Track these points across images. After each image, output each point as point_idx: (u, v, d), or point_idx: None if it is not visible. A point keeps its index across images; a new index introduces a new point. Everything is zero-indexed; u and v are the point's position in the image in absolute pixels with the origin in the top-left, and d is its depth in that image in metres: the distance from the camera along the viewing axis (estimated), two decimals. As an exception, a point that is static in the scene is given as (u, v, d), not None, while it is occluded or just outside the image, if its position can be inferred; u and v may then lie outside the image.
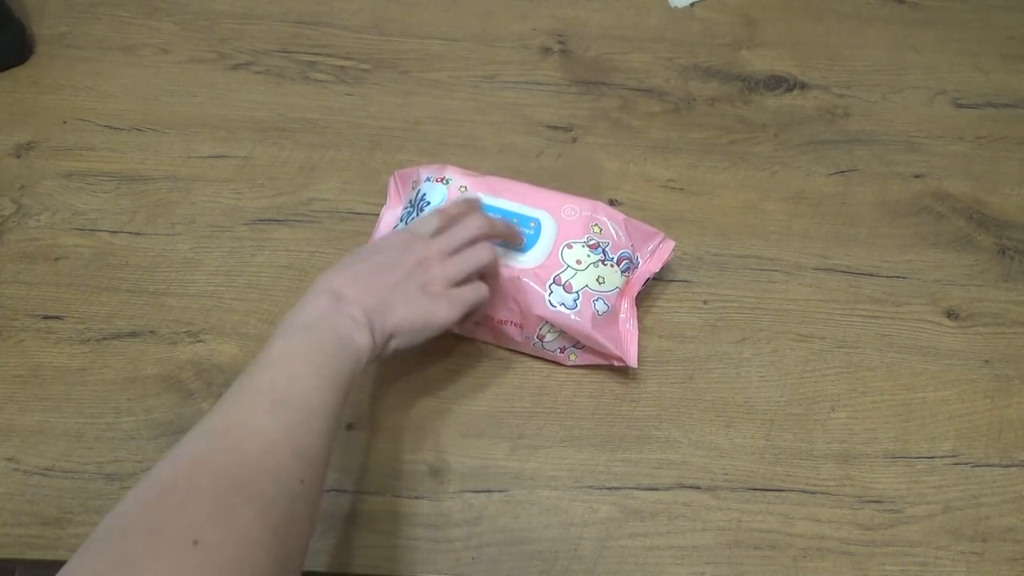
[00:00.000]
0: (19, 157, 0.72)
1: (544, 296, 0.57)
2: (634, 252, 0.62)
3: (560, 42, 0.84)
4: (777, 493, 0.56)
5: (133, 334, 0.62)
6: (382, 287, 0.49)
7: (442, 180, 0.62)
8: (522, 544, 0.54)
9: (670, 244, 0.63)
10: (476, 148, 0.74)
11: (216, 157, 0.72)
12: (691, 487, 0.56)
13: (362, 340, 0.46)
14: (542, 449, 0.58)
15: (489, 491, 0.56)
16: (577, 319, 0.57)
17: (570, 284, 0.57)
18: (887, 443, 0.59)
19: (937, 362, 0.63)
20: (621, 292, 0.60)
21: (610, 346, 0.58)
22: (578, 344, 0.59)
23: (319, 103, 0.77)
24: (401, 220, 0.63)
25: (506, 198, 0.61)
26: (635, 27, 0.85)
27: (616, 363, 0.59)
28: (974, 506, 0.56)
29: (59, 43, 0.81)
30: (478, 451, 0.57)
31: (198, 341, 0.61)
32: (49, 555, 0.52)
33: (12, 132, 0.73)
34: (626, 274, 0.60)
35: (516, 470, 0.57)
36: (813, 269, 0.68)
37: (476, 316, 0.58)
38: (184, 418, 0.58)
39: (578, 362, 0.60)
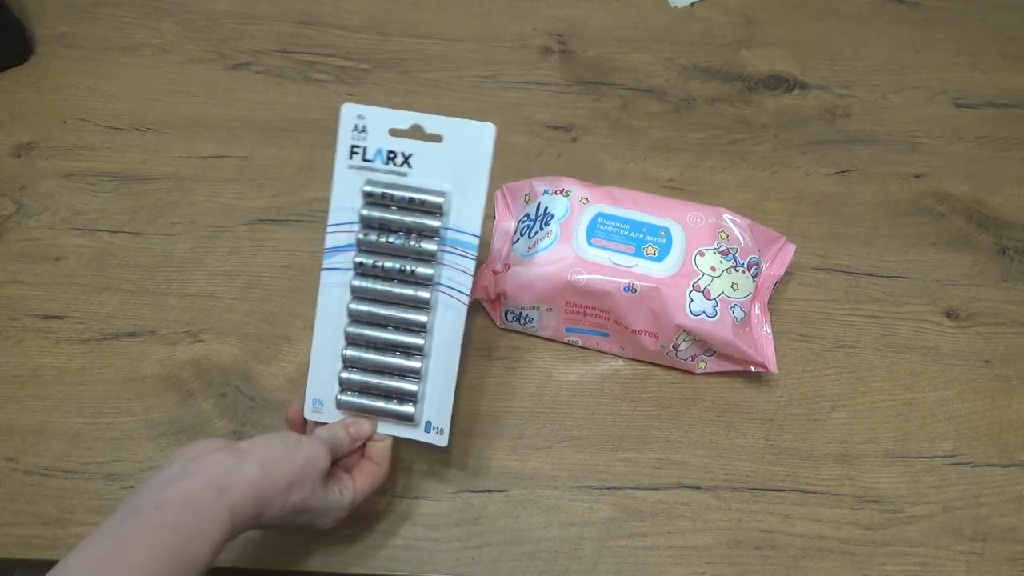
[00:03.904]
0: (19, 157, 0.72)
1: (685, 305, 0.56)
2: (761, 256, 0.62)
3: (560, 42, 0.84)
4: (777, 493, 0.56)
5: (133, 334, 0.62)
6: None
7: (561, 192, 0.61)
8: (522, 544, 0.54)
9: (791, 247, 0.63)
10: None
11: (216, 157, 0.72)
12: (691, 487, 0.56)
13: None
14: (542, 449, 0.58)
15: (489, 491, 0.56)
16: (719, 327, 0.57)
17: (708, 291, 0.57)
18: (887, 443, 0.59)
19: (937, 362, 0.63)
20: (753, 297, 0.60)
21: (751, 352, 0.58)
22: (709, 351, 0.59)
23: (319, 103, 0.77)
24: (519, 233, 0.62)
25: (628, 208, 0.60)
26: (635, 27, 0.85)
27: (754, 369, 0.59)
28: (974, 506, 0.56)
29: (59, 43, 0.81)
30: (478, 451, 0.57)
31: (198, 341, 0.61)
32: (49, 555, 0.52)
33: (12, 132, 0.73)
34: (755, 279, 0.60)
35: (516, 470, 0.57)
36: (813, 269, 0.68)
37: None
38: (184, 418, 0.58)
39: (708, 369, 0.60)
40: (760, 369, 0.59)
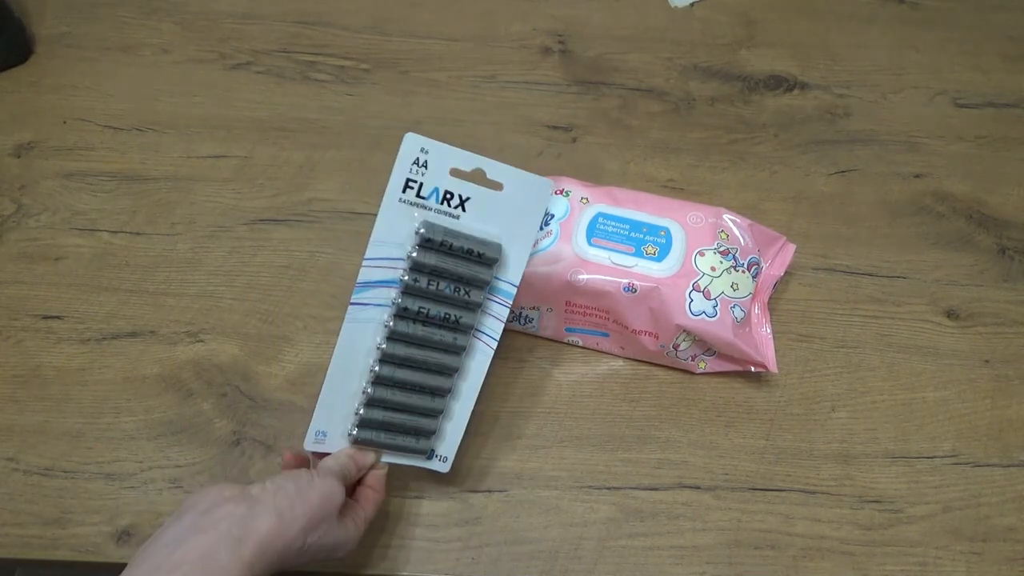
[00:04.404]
0: (19, 157, 0.72)
1: (685, 305, 0.56)
2: (761, 256, 0.62)
3: (560, 42, 0.84)
4: (777, 493, 0.56)
5: (133, 334, 0.62)
6: None
7: (561, 192, 0.61)
8: (522, 544, 0.54)
9: (791, 247, 0.63)
10: (476, 148, 0.73)
11: (216, 157, 0.72)
12: (691, 487, 0.56)
13: None
14: (542, 449, 0.58)
15: (489, 491, 0.56)
16: (719, 327, 0.57)
17: (708, 291, 0.57)
18: (887, 443, 0.59)
19: (937, 362, 0.63)
20: (753, 297, 0.60)
21: (751, 352, 0.58)
22: (709, 351, 0.59)
23: (319, 103, 0.77)
24: None
25: (628, 208, 0.60)
26: (635, 27, 0.85)
27: (754, 369, 0.59)
28: (974, 506, 0.56)
29: (59, 43, 0.81)
30: (478, 451, 0.57)
31: (198, 341, 0.61)
32: (49, 555, 0.52)
33: (12, 132, 0.73)
34: (755, 279, 0.60)
35: (516, 470, 0.57)
36: (813, 269, 0.68)
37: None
38: (184, 418, 0.58)
39: (708, 369, 0.60)
40: (760, 369, 0.59)
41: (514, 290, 0.50)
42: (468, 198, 0.49)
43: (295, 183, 0.71)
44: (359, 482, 0.51)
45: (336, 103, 0.77)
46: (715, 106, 0.79)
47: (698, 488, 0.56)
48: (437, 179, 0.48)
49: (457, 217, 0.49)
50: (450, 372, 0.50)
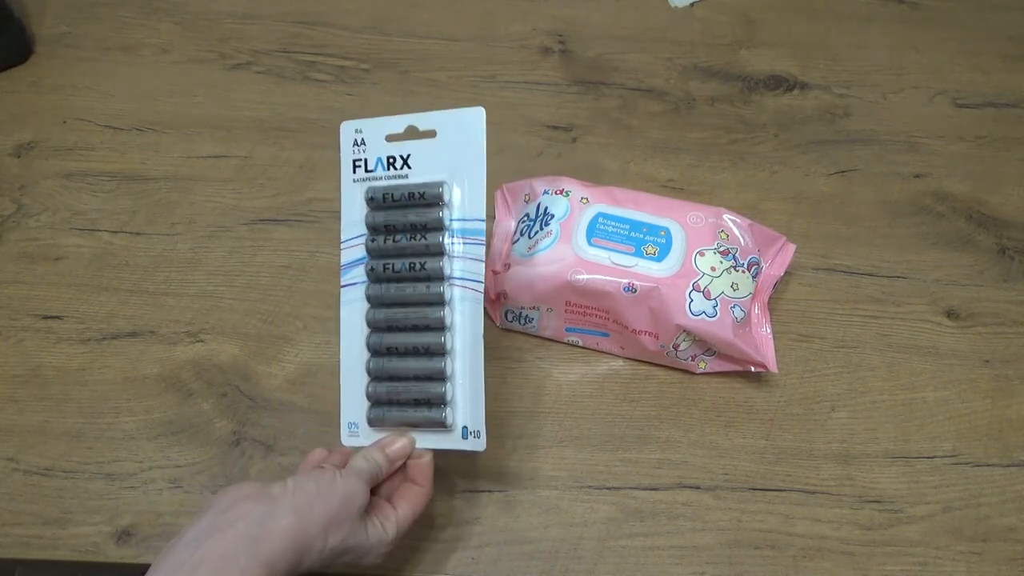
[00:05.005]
0: (19, 157, 0.72)
1: (685, 305, 0.56)
2: (761, 256, 0.62)
3: (560, 42, 0.84)
4: (777, 493, 0.56)
5: (133, 334, 0.62)
6: None
7: (561, 192, 0.61)
8: (522, 544, 0.54)
9: (791, 247, 0.63)
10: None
11: (216, 157, 0.72)
12: (691, 487, 0.56)
13: None
14: (542, 449, 0.58)
15: (489, 491, 0.56)
16: (719, 327, 0.57)
17: (708, 291, 0.57)
18: (887, 443, 0.59)
19: (937, 362, 0.63)
20: (753, 297, 0.60)
21: (751, 352, 0.58)
22: (709, 351, 0.59)
23: (319, 103, 0.77)
24: (519, 233, 0.62)
25: (628, 208, 0.60)
26: (635, 27, 0.85)
27: (754, 369, 0.59)
28: (974, 506, 0.56)
29: (59, 43, 0.81)
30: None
31: (198, 341, 0.61)
32: (49, 555, 0.52)
33: (12, 132, 0.73)
34: (755, 279, 0.60)
35: (516, 470, 0.57)
36: (813, 269, 0.68)
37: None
38: (184, 418, 0.58)
39: (708, 369, 0.60)
40: (760, 369, 0.59)
41: (483, 226, 0.50)
42: (409, 155, 0.51)
43: (295, 183, 0.71)
44: (404, 477, 0.50)
45: (336, 103, 0.77)
46: (715, 106, 0.79)
47: (698, 488, 0.56)
48: (377, 150, 0.51)
49: (406, 176, 0.51)
50: (437, 326, 0.50)
